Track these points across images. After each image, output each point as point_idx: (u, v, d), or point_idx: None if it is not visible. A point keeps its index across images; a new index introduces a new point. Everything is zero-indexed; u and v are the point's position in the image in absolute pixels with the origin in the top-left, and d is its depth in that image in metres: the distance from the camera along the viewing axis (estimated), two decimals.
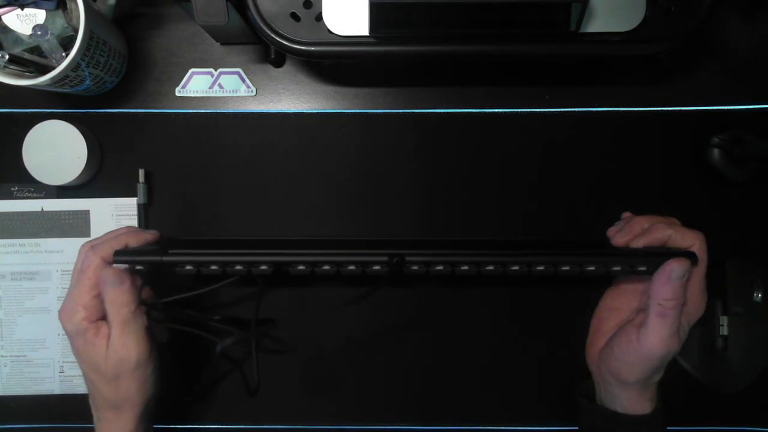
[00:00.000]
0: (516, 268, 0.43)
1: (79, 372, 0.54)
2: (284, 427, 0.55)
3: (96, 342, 0.42)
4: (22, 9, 0.46)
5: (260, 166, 0.54)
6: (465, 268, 0.43)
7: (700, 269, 0.43)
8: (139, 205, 0.53)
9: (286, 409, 0.55)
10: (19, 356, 0.54)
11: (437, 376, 0.55)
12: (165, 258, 0.42)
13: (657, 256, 0.42)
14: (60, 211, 0.54)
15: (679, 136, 0.54)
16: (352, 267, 0.42)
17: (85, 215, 0.54)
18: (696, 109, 0.54)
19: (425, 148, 0.54)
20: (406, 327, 0.55)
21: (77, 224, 0.54)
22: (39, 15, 0.46)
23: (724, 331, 0.51)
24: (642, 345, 0.42)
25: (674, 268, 0.41)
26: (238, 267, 0.42)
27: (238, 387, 0.55)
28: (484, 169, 0.54)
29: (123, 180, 0.54)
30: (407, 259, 0.42)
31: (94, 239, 0.44)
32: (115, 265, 0.42)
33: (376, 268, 0.42)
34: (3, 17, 0.46)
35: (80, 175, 0.52)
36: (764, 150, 0.51)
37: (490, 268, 0.43)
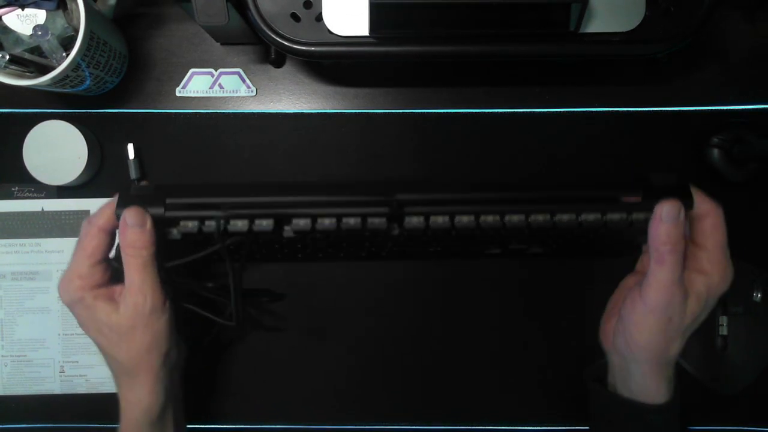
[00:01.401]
0: (515, 218, 0.40)
1: (79, 372, 0.54)
2: (284, 426, 0.55)
3: (97, 303, 0.41)
4: (23, 9, 0.46)
5: (260, 166, 0.54)
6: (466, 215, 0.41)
7: (717, 231, 0.40)
8: (132, 181, 0.53)
9: (286, 409, 0.55)
10: (19, 356, 0.54)
11: (437, 376, 0.55)
12: (170, 200, 0.40)
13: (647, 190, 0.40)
14: (60, 211, 0.54)
15: (679, 136, 0.54)
16: (352, 215, 0.40)
17: (85, 215, 0.54)
18: (696, 109, 0.54)
19: (425, 148, 0.54)
20: (406, 326, 0.55)
21: (77, 224, 0.54)
22: (39, 15, 0.46)
23: (724, 331, 0.51)
24: (644, 297, 0.40)
25: (664, 208, 0.39)
26: (242, 216, 0.40)
27: (237, 387, 0.55)
28: (485, 168, 0.54)
29: (123, 180, 0.54)
30: (404, 198, 0.40)
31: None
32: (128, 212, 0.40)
33: (377, 211, 0.40)
34: (3, 17, 0.46)
35: (80, 175, 0.52)
36: (764, 150, 0.51)
37: (489, 218, 0.41)
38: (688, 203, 0.40)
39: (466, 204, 0.41)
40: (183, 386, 0.47)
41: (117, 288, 0.42)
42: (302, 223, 0.40)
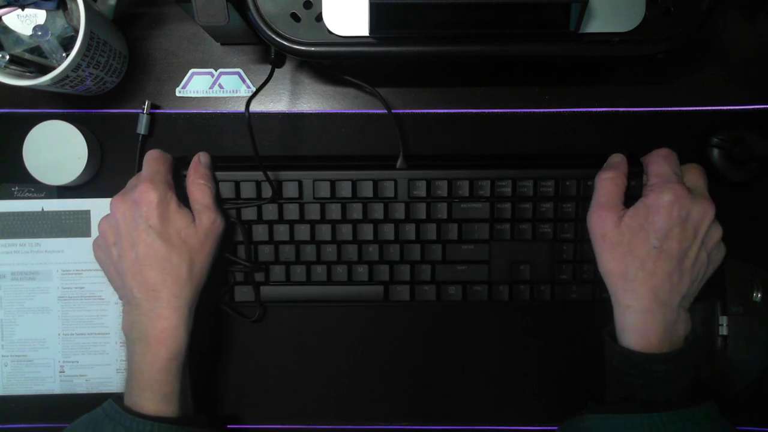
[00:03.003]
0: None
1: (79, 372, 0.54)
2: (284, 427, 0.55)
3: (181, 210, 0.46)
4: (23, 9, 0.46)
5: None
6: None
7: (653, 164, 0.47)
8: (138, 136, 0.54)
9: (286, 409, 0.55)
10: (19, 356, 0.54)
11: (438, 375, 0.55)
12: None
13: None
14: (60, 211, 0.54)
15: (679, 136, 0.54)
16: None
17: (85, 215, 0.54)
18: (696, 109, 0.54)
19: (425, 148, 0.54)
20: (406, 326, 0.55)
21: (77, 224, 0.54)
22: (39, 15, 0.46)
23: (723, 331, 0.51)
24: (588, 224, 0.47)
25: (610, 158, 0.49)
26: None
27: (237, 387, 0.55)
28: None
29: (123, 180, 0.54)
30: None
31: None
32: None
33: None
34: (3, 18, 0.46)
35: (80, 175, 0.52)
36: (764, 150, 0.51)
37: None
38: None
39: None
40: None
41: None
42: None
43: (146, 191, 0.45)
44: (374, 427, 0.55)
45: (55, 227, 0.54)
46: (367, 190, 0.51)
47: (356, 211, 0.51)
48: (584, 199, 0.50)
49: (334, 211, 0.51)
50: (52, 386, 0.54)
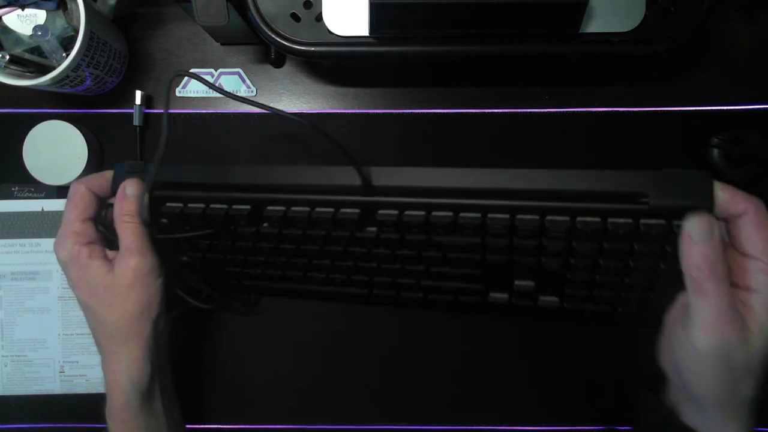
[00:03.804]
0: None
1: (79, 372, 0.54)
2: (284, 427, 0.55)
3: (92, 262, 0.42)
4: (23, 9, 0.46)
5: (260, 166, 0.54)
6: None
7: (762, 231, 0.32)
8: (135, 127, 0.53)
9: (285, 409, 0.55)
10: (19, 356, 0.54)
11: (438, 375, 0.55)
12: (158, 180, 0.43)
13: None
14: (60, 211, 0.53)
15: (679, 136, 0.54)
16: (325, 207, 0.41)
17: None
18: (696, 109, 0.54)
19: (425, 148, 0.54)
20: (406, 325, 0.55)
21: None
22: (39, 15, 0.46)
23: None
24: (692, 341, 0.33)
25: (693, 224, 0.32)
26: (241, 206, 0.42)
27: (236, 387, 0.55)
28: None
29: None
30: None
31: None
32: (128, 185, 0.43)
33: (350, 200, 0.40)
34: (3, 18, 0.46)
35: (80, 175, 0.52)
36: (764, 150, 0.51)
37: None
38: (706, 204, 0.33)
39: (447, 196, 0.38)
40: (170, 361, 0.47)
41: (110, 252, 0.43)
42: (277, 209, 0.41)
43: (56, 250, 0.43)
44: (374, 426, 0.55)
45: (55, 227, 0.54)
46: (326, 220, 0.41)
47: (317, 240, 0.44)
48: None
49: (289, 238, 0.44)
50: (52, 386, 0.54)
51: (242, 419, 0.55)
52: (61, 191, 0.54)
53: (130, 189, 0.42)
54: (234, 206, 0.42)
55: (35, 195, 0.54)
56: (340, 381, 0.55)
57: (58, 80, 0.46)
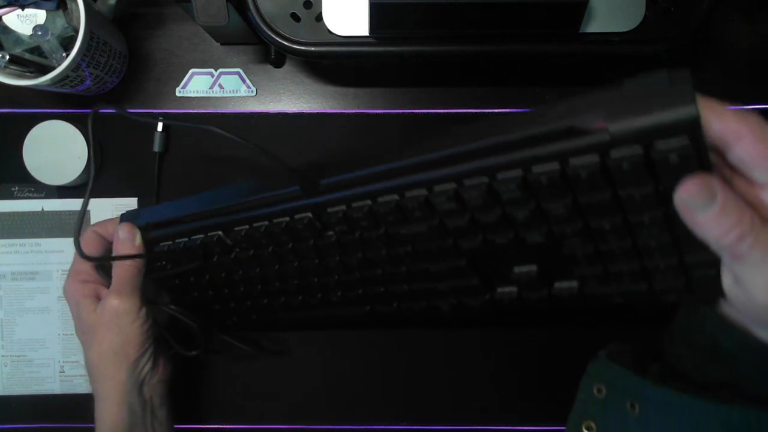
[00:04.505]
0: None
1: (79, 372, 0.54)
2: (284, 427, 0.55)
3: (83, 301, 0.44)
4: (23, 9, 0.46)
5: (260, 166, 0.54)
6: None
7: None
8: (155, 154, 0.53)
9: (285, 409, 0.55)
10: (19, 356, 0.54)
11: (438, 375, 0.55)
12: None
13: None
14: (60, 211, 0.54)
15: None
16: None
17: (85, 215, 0.54)
18: None
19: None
20: (406, 326, 0.55)
21: None
22: (39, 15, 0.46)
23: None
24: (752, 299, 0.26)
25: (688, 193, 0.26)
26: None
27: (236, 388, 0.55)
28: None
29: (123, 180, 0.54)
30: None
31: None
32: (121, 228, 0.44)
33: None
34: (3, 18, 0.46)
35: (80, 175, 0.52)
36: None
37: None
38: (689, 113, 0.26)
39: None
40: (169, 406, 0.47)
41: (104, 291, 0.44)
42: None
43: (66, 279, 0.45)
44: (374, 426, 0.55)
45: (55, 227, 0.54)
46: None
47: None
48: None
49: (263, 259, 0.42)
50: (52, 386, 0.54)
51: (242, 419, 0.55)
52: (61, 191, 0.54)
53: (123, 233, 0.44)
54: (208, 234, 0.42)
55: (35, 195, 0.54)
56: (340, 381, 0.55)
57: (58, 80, 0.46)
